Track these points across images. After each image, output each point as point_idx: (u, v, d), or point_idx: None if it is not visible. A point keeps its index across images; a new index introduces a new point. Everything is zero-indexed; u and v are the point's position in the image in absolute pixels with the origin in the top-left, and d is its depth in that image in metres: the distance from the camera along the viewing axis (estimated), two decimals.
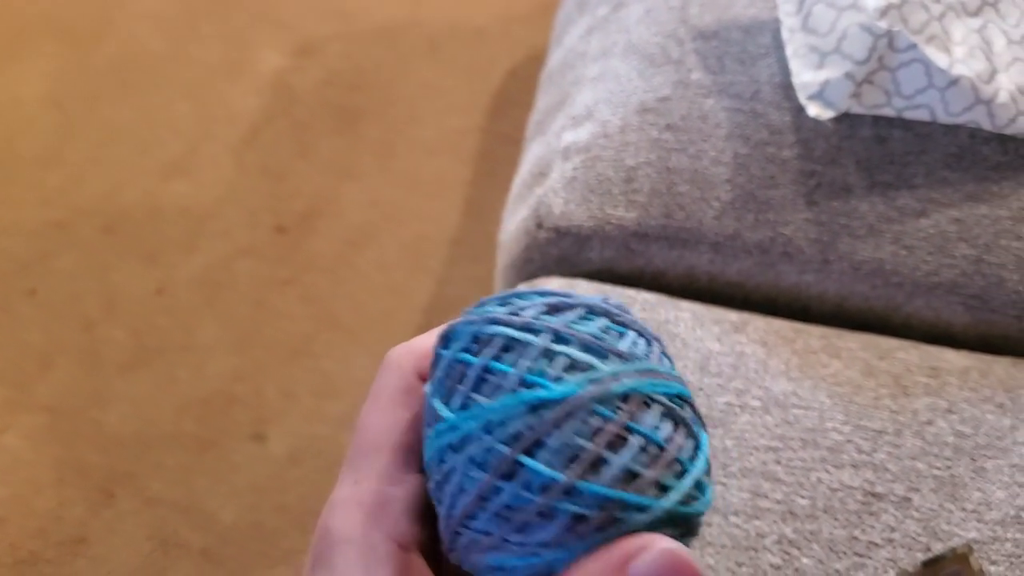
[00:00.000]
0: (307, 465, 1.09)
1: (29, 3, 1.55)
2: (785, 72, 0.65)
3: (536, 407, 0.24)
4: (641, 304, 0.60)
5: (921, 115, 0.61)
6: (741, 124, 0.64)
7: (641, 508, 0.23)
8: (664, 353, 0.26)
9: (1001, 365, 0.59)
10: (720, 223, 0.63)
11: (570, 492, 0.23)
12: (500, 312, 0.26)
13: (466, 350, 0.25)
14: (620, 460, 0.23)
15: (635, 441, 0.23)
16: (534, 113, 0.79)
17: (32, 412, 1.11)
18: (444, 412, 0.25)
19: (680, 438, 0.24)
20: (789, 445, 0.52)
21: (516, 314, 0.25)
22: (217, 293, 1.22)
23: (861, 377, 0.56)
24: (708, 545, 0.48)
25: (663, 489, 0.24)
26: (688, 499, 0.24)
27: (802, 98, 0.60)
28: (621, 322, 0.26)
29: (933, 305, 0.62)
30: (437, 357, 0.26)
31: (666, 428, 0.24)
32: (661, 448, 0.24)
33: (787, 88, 0.65)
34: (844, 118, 0.63)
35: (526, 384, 0.24)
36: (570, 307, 0.26)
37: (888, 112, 0.61)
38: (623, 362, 0.25)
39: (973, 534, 0.49)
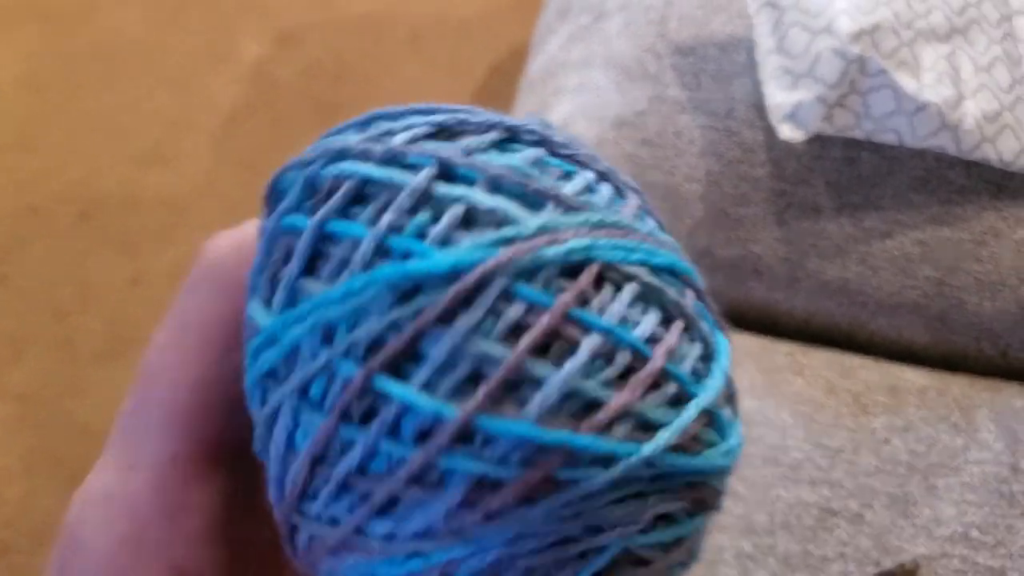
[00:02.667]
0: None
1: None
2: (759, 91, 0.66)
3: (407, 291, 0.14)
4: None
5: (889, 139, 0.62)
6: (715, 142, 0.65)
7: (603, 460, 0.14)
8: (648, 212, 0.17)
9: (958, 384, 0.61)
10: (692, 239, 0.64)
11: (469, 437, 0.14)
12: (353, 140, 0.16)
13: (295, 209, 0.16)
14: (560, 376, 0.14)
15: (589, 342, 0.14)
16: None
17: (3, 401, 1.11)
18: (261, 317, 0.16)
19: (674, 338, 0.15)
20: (751, 463, 0.53)
21: (379, 141, 0.16)
22: None
23: (823, 395, 0.58)
24: None
25: (646, 428, 0.14)
26: (693, 444, 0.15)
27: (774, 120, 0.61)
28: (569, 156, 0.16)
29: (896, 324, 0.64)
30: (261, 232, 0.17)
31: (648, 321, 0.15)
32: (638, 354, 0.15)
33: (761, 107, 0.66)
34: (815, 139, 0.64)
35: (389, 253, 0.15)
36: (475, 128, 0.16)
37: (858, 135, 0.63)
38: (567, 212, 0.15)
39: (922, 550, 0.51)
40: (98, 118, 1.38)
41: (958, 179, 0.65)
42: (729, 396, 0.16)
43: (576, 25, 0.78)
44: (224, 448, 0.17)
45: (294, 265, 0.15)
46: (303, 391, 0.15)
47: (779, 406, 0.56)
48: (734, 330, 0.63)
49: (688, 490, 0.15)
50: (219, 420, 0.17)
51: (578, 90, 0.72)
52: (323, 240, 0.15)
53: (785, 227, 0.63)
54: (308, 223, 0.15)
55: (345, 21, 1.54)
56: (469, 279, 0.14)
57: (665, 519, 0.15)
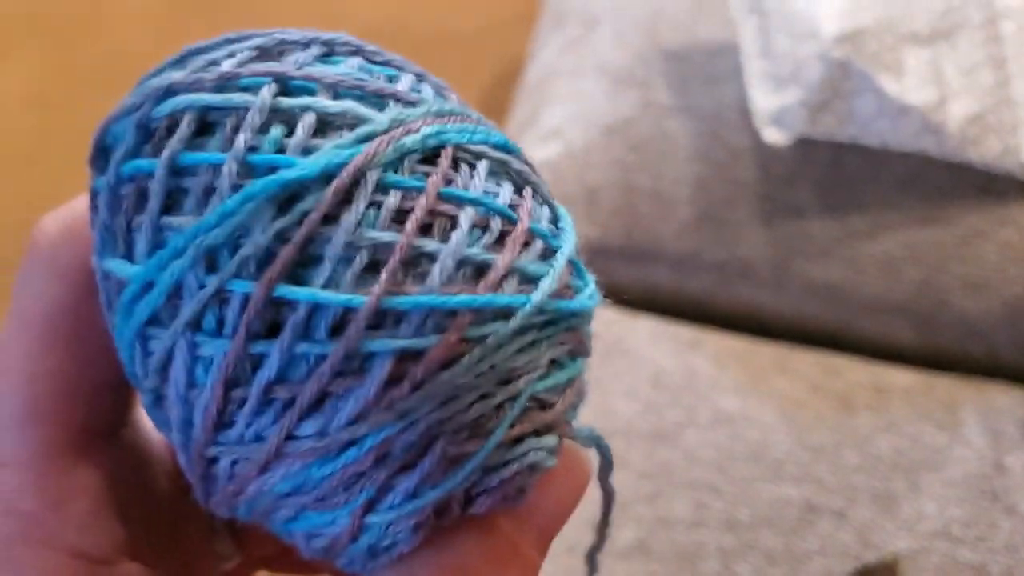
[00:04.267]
0: None
1: (13, 2, 1.56)
2: (746, 96, 0.67)
3: (285, 201, 0.15)
4: (599, 320, 0.62)
5: (874, 141, 0.63)
6: (702, 146, 0.66)
7: (503, 313, 0.15)
8: (464, 104, 0.18)
9: (943, 384, 0.61)
10: (679, 241, 0.65)
11: (380, 320, 0.15)
12: (178, 76, 0.16)
13: (134, 155, 0.16)
14: (450, 248, 0.15)
15: (465, 215, 0.16)
16: (509, 128, 0.81)
17: None
18: (124, 270, 0.15)
19: (530, 202, 0.17)
20: (733, 459, 0.54)
21: (205, 71, 0.16)
22: None
23: (808, 394, 0.58)
24: (650, 553, 0.50)
25: (528, 280, 0.16)
26: (567, 290, 0.17)
27: (759, 123, 0.62)
28: (385, 62, 0.17)
29: (882, 324, 0.65)
30: (93, 195, 0.17)
31: (505, 191, 0.17)
32: (506, 218, 0.16)
33: (748, 111, 0.67)
34: (801, 142, 0.65)
35: (254, 170, 0.15)
36: (295, 46, 0.17)
37: (842, 138, 0.63)
38: (408, 106, 0.16)
39: (903, 545, 0.51)
40: None
41: (943, 180, 0.65)
42: (577, 250, 0.18)
43: (569, 34, 0.80)
44: (94, 430, 0.17)
45: (152, 205, 0.15)
46: (195, 324, 0.15)
47: (763, 405, 0.57)
48: (721, 332, 0.64)
49: (568, 334, 0.17)
50: (81, 404, 0.17)
51: (569, 97, 0.73)
52: (177, 175, 0.15)
53: (771, 229, 0.64)
54: (157, 163, 0.15)
55: (348, 35, 1.56)
56: (344, 177, 0.15)
57: (556, 364, 0.17)
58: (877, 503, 0.53)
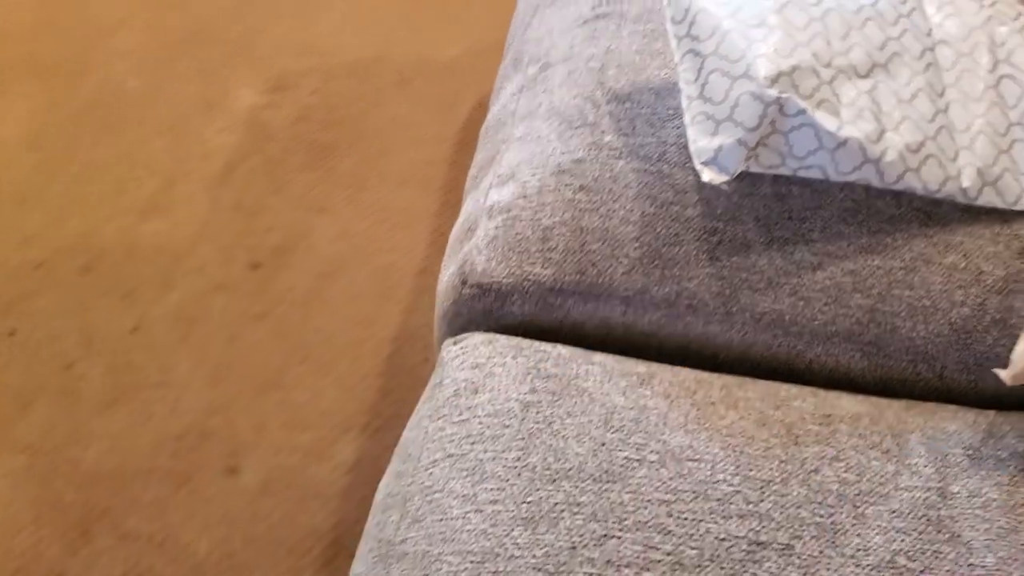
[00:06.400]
0: (278, 496, 1.12)
1: (9, 44, 1.60)
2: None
3: None
4: (555, 359, 0.64)
5: (814, 174, 0.64)
6: (648, 184, 0.68)
7: None
8: None
9: (893, 410, 0.62)
10: (629, 278, 0.67)
11: None
12: None
13: None
14: None
15: None
16: (472, 167, 0.83)
17: (10, 453, 1.15)
18: None
19: None
20: (681, 498, 0.55)
21: None
22: (192, 329, 1.26)
23: (755, 427, 0.60)
24: None
25: None
26: None
27: (697, 163, 0.64)
28: None
29: (832, 352, 0.66)
30: None
31: None
32: None
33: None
34: (745, 176, 0.66)
35: None
36: None
37: (784, 171, 0.65)
38: None
39: None
40: (97, 170, 1.43)
41: (888, 208, 0.67)
42: None
43: (526, 75, 0.81)
44: None
45: None
46: None
47: (710, 440, 0.58)
48: (673, 366, 0.65)
49: None
50: None
51: (524, 139, 0.75)
52: None
53: (717, 264, 0.66)
54: None
55: (335, 67, 1.58)
56: None
57: None
58: (823, 536, 0.54)
